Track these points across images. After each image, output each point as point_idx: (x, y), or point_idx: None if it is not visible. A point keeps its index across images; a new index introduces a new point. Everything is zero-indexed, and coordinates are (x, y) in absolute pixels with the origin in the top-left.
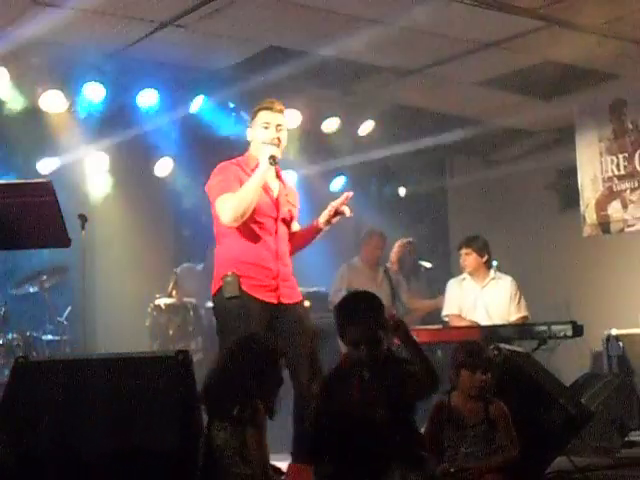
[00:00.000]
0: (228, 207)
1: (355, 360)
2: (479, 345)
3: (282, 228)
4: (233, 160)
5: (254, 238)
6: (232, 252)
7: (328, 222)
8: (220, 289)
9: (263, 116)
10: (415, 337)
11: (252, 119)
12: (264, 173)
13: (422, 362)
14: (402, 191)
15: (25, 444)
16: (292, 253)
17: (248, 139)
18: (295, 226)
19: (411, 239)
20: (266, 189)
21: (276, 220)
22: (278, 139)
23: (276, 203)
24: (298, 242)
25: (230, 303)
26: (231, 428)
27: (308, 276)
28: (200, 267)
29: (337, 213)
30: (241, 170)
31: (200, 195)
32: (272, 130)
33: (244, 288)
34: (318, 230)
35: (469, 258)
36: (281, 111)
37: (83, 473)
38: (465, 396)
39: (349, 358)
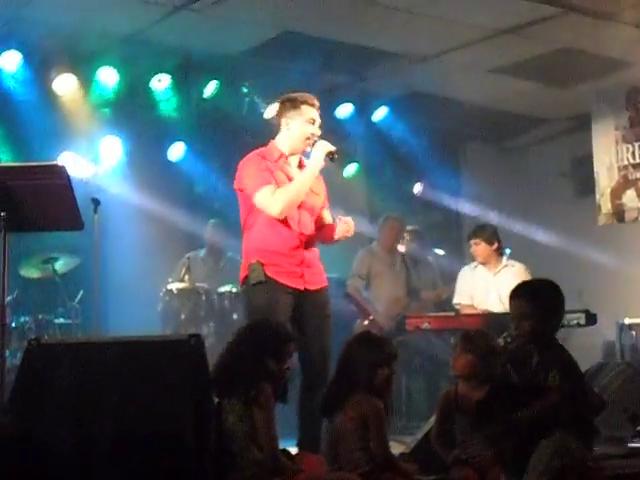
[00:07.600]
0: (278, 200)
1: (520, 334)
2: (480, 332)
3: (305, 215)
4: (256, 151)
5: (277, 227)
6: (257, 242)
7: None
8: (246, 277)
9: (309, 112)
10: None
11: (294, 109)
12: (316, 168)
13: None
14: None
15: (37, 426)
16: (322, 242)
17: (284, 126)
18: (327, 216)
19: (411, 227)
20: (289, 179)
21: (299, 208)
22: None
23: None
24: (325, 236)
25: (256, 289)
26: (239, 409)
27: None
28: (202, 253)
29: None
30: (267, 161)
31: (213, 180)
32: (316, 126)
33: (269, 274)
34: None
35: (478, 248)
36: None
37: (94, 456)
38: (467, 382)
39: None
